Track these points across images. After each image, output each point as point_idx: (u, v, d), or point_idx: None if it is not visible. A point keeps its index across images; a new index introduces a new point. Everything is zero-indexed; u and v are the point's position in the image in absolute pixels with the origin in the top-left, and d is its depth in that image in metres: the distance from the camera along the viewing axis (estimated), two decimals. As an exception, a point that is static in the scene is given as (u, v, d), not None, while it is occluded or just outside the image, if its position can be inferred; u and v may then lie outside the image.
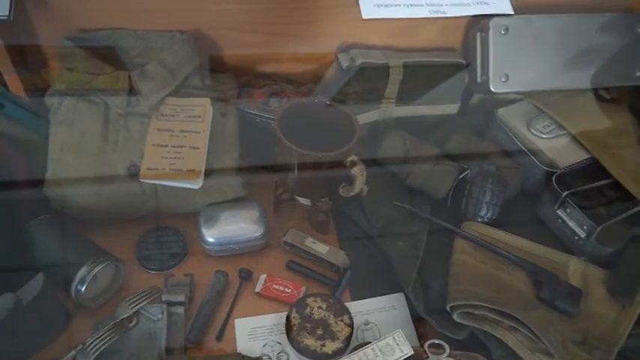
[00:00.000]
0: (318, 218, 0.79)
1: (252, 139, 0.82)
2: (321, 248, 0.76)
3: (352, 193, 0.71)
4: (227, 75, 0.84)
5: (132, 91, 0.75)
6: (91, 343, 0.63)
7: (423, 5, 0.77)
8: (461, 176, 0.79)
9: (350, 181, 0.71)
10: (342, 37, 0.86)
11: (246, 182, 0.80)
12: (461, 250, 0.73)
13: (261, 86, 0.85)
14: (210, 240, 0.74)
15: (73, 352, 0.64)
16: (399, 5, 0.77)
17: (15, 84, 0.78)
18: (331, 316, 0.68)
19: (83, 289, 0.65)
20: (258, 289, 0.73)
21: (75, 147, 0.73)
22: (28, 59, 0.78)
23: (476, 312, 0.66)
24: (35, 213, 0.71)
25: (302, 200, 0.80)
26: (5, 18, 0.68)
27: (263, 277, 0.74)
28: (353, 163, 0.69)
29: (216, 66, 0.85)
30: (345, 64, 0.82)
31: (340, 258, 0.76)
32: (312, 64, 0.89)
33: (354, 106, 0.83)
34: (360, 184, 0.70)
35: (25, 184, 0.74)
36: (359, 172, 0.69)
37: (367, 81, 0.83)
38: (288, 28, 0.84)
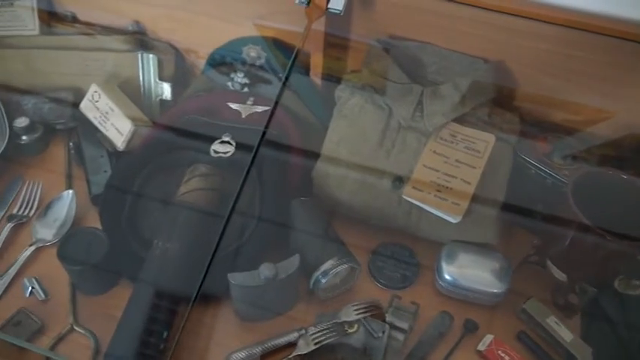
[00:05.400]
0: (569, 298, 0.70)
1: (519, 188, 0.75)
2: (565, 334, 0.67)
3: (633, 293, 0.61)
4: (513, 114, 0.78)
5: (419, 106, 0.74)
6: (314, 333, 0.65)
7: None
8: None
9: (635, 277, 0.60)
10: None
11: (500, 231, 0.74)
12: None
13: (545, 135, 0.78)
14: (447, 277, 0.71)
15: (296, 334, 0.66)
16: None
17: (316, 66, 0.83)
18: (561, 416, 0.59)
19: (324, 280, 0.67)
20: (481, 347, 0.68)
21: (351, 144, 0.75)
22: (336, 49, 0.83)
23: None
24: (298, 192, 0.75)
25: (556, 272, 0.71)
26: (338, 12, 0.74)
27: (489, 337, 0.68)
28: (653, 262, 0.58)
29: (504, 101, 0.80)
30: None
31: (586, 355, 0.65)
32: (603, 124, 0.79)
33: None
34: (650, 288, 0.59)
35: (296, 159, 0.78)
36: (655, 275, 0.58)
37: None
38: (597, 82, 0.75)
